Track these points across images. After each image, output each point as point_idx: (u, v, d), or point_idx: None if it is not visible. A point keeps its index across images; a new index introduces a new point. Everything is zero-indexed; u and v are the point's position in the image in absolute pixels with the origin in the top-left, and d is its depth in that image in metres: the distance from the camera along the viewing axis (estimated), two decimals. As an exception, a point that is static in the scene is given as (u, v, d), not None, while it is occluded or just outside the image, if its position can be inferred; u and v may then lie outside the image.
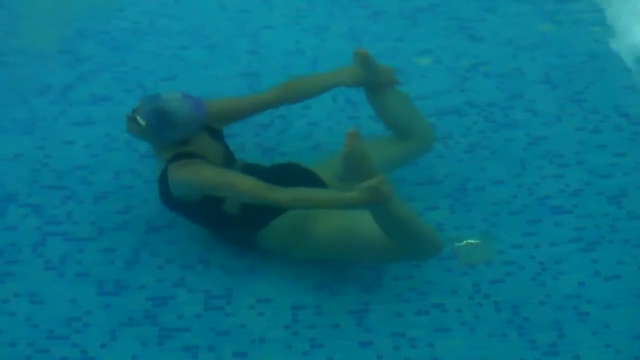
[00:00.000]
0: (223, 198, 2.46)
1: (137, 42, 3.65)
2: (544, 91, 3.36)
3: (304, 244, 2.50)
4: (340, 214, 2.45)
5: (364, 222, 2.41)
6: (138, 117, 2.46)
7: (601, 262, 2.64)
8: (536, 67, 3.50)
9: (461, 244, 2.69)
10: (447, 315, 2.48)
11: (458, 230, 2.73)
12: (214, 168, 2.46)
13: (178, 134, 2.46)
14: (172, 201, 2.53)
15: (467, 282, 2.59)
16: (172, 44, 3.64)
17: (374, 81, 2.65)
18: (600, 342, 2.41)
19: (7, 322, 2.47)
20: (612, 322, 2.46)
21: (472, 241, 2.71)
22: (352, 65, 2.63)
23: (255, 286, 2.57)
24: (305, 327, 2.46)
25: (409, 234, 2.38)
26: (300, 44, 3.64)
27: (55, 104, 3.28)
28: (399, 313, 2.50)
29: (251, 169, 2.58)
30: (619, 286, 2.57)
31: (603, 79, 3.41)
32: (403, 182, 2.88)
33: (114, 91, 3.34)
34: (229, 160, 2.61)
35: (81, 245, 2.70)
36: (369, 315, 2.49)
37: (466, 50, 3.61)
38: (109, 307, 2.51)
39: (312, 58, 3.55)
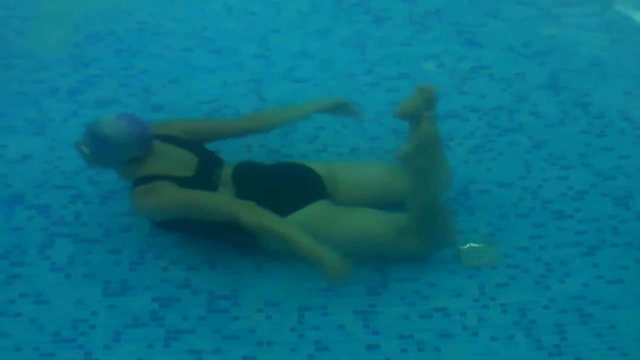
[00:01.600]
0: None
1: (144, 45, 3.66)
2: (548, 95, 3.37)
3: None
4: (348, 213, 2.49)
5: (372, 219, 2.47)
6: (82, 147, 2.49)
7: (605, 264, 2.63)
8: (540, 71, 3.50)
9: (464, 247, 2.67)
10: (452, 319, 2.47)
11: (461, 233, 2.71)
12: (177, 190, 2.42)
13: (123, 154, 2.46)
14: (156, 223, 2.54)
15: (473, 284, 2.58)
16: (178, 46, 3.65)
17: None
18: (605, 345, 2.40)
19: (13, 324, 2.46)
20: (618, 323, 2.46)
21: (476, 245, 2.70)
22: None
23: (262, 288, 2.56)
24: (311, 329, 2.44)
25: (433, 214, 2.42)
26: (306, 46, 3.65)
27: (64, 106, 3.29)
28: (405, 315, 2.48)
29: (246, 168, 2.61)
30: (624, 288, 2.56)
31: (607, 83, 3.42)
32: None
33: (121, 95, 3.35)
34: (210, 167, 2.57)
35: (89, 247, 2.70)
36: (376, 317, 2.48)
37: (470, 54, 3.61)
38: (114, 307, 2.50)
39: (320, 62, 3.57)
